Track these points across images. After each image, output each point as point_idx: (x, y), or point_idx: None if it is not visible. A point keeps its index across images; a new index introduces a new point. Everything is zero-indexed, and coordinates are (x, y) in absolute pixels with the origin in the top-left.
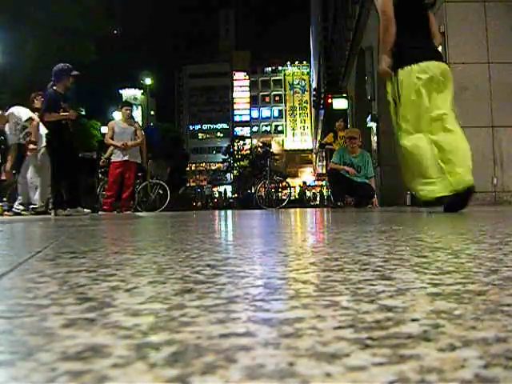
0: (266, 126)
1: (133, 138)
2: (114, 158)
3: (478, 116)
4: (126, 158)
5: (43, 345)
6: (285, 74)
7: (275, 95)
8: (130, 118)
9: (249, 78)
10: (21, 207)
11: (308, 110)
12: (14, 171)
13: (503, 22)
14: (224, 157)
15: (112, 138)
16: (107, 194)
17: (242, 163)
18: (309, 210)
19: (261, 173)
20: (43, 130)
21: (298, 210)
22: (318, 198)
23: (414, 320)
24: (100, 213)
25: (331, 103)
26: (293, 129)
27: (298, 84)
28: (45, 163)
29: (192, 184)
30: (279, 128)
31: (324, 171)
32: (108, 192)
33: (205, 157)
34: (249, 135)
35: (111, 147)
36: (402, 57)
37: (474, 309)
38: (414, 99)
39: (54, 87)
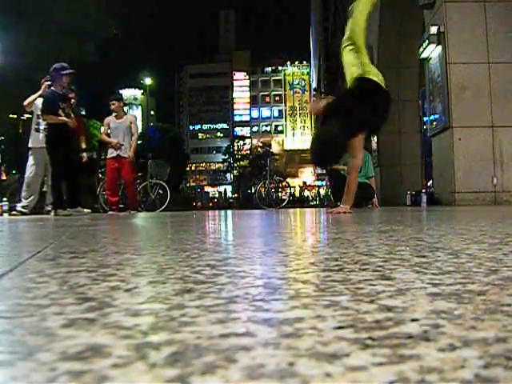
0: (266, 125)
1: (127, 132)
2: (108, 155)
3: (478, 116)
4: (117, 152)
5: (43, 345)
6: (285, 74)
7: (275, 95)
8: (118, 112)
9: (249, 78)
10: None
11: (308, 110)
12: (14, 171)
13: (503, 22)
14: (224, 157)
15: (108, 135)
16: (106, 193)
17: (242, 163)
18: (309, 209)
19: (261, 173)
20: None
21: (298, 209)
22: (317, 198)
23: (413, 320)
24: (110, 213)
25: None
26: (293, 129)
27: (298, 84)
28: (37, 161)
29: (192, 184)
30: (279, 128)
31: (324, 171)
32: (107, 190)
33: (205, 157)
34: (249, 135)
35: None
36: None
37: (474, 309)
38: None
39: (52, 87)
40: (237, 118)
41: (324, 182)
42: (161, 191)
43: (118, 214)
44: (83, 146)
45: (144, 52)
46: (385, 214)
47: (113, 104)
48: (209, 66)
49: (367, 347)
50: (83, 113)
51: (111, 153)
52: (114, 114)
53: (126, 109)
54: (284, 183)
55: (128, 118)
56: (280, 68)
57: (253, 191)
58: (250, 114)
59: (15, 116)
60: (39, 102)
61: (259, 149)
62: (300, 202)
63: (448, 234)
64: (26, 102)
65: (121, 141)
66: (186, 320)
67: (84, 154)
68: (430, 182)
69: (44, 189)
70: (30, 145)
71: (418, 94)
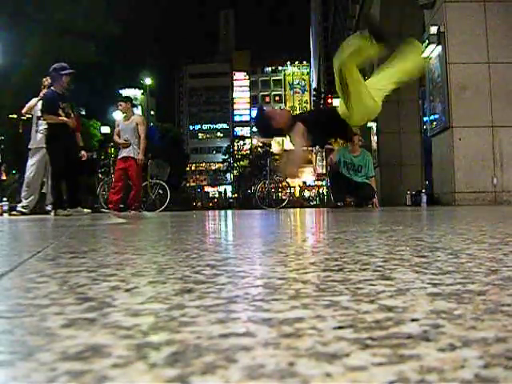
0: None
1: (133, 133)
2: (118, 156)
3: (478, 116)
4: (124, 154)
5: (43, 345)
6: (285, 74)
7: (275, 95)
8: (126, 113)
9: (249, 78)
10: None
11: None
12: (14, 171)
13: (503, 22)
14: (224, 157)
15: (119, 135)
16: (110, 191)
17: (241, 163)
18: (309, 210)
19: (261, 173)
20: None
21: (298, 209)
22: (317, 198)
23: (413, 320)
24: (107, 211)
25: (331, 103)
26: None
27: (298, 84)
28: (37, 161)
29: (192, 184)
30: None
31: (324, 171)
32: (111, 189)
33: (205, 157)
34: (249, 135)
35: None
36: None
37: (474, 309)
38: None
39: (52, 87)
40: (237, 118)
41: (324, 182)
42: (161, 191)
43: (119, 213)
44: (80, 143)
45: (144, 52)
46: (385, 214)
47: (120, 105)
48: (209, 65)
49: (367, 347)
50: (83, 113)
51: (120, 153)
52: (123, 116)
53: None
54: (284, 183)
55: (134, 120)
56: (280, 68)
57: (253, 191)
58: (250, 114)
59: (15, 116)
60: (39, 102)
61: (259, 149)
62: (300, 201)
63: (448, 234)
64: (24, 110)
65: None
66: (186, 320)
67: (83, 153)
68: (430, 182)
69: (43, 190)
70: (30, 145)
71: (418, 94)
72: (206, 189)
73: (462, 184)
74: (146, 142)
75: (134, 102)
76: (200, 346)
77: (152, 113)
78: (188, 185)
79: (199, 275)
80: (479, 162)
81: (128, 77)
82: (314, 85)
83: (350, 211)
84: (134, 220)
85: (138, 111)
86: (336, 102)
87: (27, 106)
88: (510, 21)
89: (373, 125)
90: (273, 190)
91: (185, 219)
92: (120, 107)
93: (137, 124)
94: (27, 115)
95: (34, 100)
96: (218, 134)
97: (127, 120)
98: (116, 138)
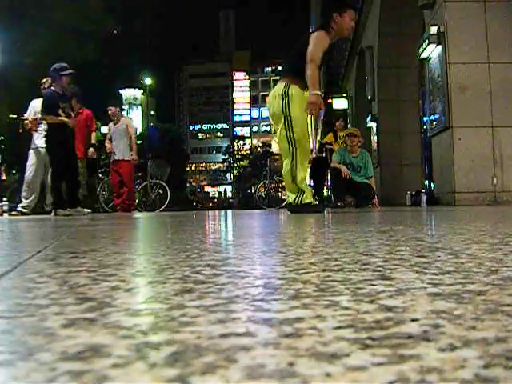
0: (266, 125)
1: (123, 135)
2: (111, 159)
3: (478, 116)
4: (115, 157)
5: (43, 345)
6: None
7: None
8: (117, 117)
9: (249, 78)
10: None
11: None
12: (14, 171)
13: (503, 22)
14: (224, 157)
15: (110, 139)
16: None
17: (241, 163)
18: None
19: (261, 173)
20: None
21: None
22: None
23: (413, 320)
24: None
25: (331, 103)
26: None
27: None
28: (37, 161)
29: (192, 184)
30: None
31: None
32: (114, 195)
33: (205, 157)
34: (249, 135)
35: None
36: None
37: (474, 309)
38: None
39: (52, 87)
40: (237, 118)
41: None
42: (161, 191)
43: (125, 213)
44: (93, 140)
45: (144, 52)
46: (385, 214)
47: (110, 110)
48: (209, 66)
49: (367, 347)
50: None
51: (112, 157)
52: (113, 120)
53: (126, 107)
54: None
55: (123, 122)
56: (280, 68)
57: (253, 191)
58: (250, 114)
59: (15, 116)
60: (39, 103)
61: (259, 149)
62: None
63: (448, 234)
64: (30, 124)
65: (118, 144)
66: (186, 320)
67: (91, 149)
68: (430, 182)
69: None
70: (31, 145)
71: (418, 94)
72: (206, 189)
73: (462, 184)
74: (136, 142)
75: (133, 102)
76: (200, 346)
77: (152, 113)
78: (188, 185)
79: (199, 275)
80: (479, 162)
81: (128, 77)
82: None
83: (349, 211)
84: (133, 220)
85: (138, 111)
86: (336, 103)
87: (29, 118)
88: (510, 21)
89: (373, 125)
90: (273, 190)
91: (184, 219)
92: (110, 112)
93: (126, 126)
94: (30, 117)
95: (35, 105)
96: (218, 133)
97: (117, 123)
98: (107, 142)
